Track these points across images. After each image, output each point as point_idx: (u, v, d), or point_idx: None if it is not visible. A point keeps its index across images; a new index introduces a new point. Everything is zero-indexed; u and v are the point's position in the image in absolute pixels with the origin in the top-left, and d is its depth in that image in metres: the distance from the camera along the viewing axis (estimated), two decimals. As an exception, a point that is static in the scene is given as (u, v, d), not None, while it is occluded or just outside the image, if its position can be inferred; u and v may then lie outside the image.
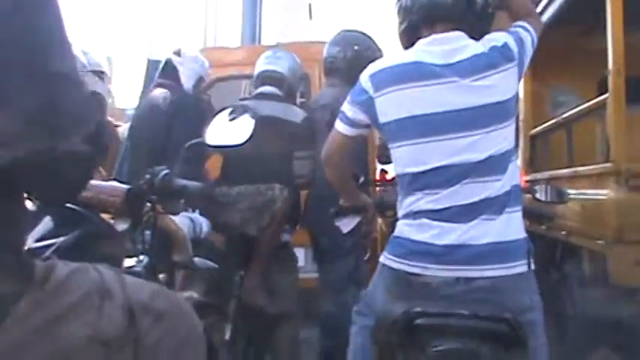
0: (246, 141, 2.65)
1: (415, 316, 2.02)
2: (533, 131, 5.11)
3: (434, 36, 2.33)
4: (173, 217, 3.33)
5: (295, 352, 3.95)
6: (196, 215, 3.45)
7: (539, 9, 4.68)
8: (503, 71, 2.25)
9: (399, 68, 2.31)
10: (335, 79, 4.15)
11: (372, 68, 2.38)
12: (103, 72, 4.16)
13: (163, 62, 4.31)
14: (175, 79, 4.18)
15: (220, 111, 3.49)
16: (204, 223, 3.46)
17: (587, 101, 3.92)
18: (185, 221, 3.37)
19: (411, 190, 2.26)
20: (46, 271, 1.31)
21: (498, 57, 2.27)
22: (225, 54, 6.71)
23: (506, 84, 2.26)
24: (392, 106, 2.28)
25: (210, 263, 3.11)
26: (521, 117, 5.15)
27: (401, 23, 2.44)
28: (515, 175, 2.27)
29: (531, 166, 5.09)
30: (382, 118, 2.31)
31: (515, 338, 2.00)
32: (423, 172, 2.23)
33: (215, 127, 2.72)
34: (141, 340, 1.36)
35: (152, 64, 7.12)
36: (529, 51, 2.37)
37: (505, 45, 2.30)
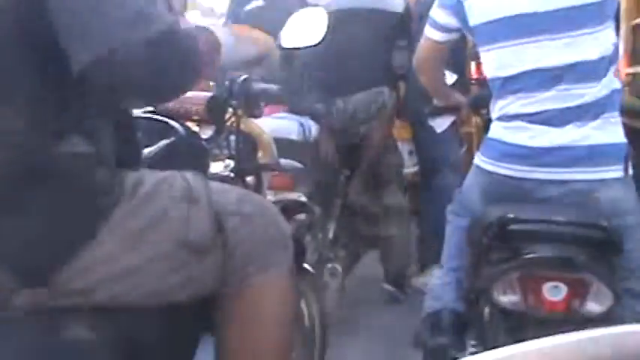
0: (322, 39, 2.60)
1: (509, 222, 1.99)
2: (637, 21, 4.83)
3: None
4: (281, 119, 3.37)
5: (404, 247, 4.00)
6: (306, 119, 3.48)
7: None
8: None
9: None
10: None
11: None
12: None
13: None
14: None
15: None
16: (313, 127, 3.49)
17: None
18: (294, 124, 3.41)
19: (504, 93, 2.22)
20: (135, 183, 1.37)
21: None
22: None
23: None
24: (481, 7, 2.22)
25: (297, 164, 3.16)
26: (623, 6, 4.86)
27: None
28: (613, 79, 2.17)
29: (634, 57, 4.82)
30: (472, 21, 2.25)
31: (611, 244, 1.96)
32: (516, 76, 2.18)
33: (289, 28, 2.67)
34: (229, 243, 1.42)
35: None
36: None
37: None
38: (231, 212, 1.45)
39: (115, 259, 1.29)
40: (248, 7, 4.36)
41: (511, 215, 1.99)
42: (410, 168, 4.50)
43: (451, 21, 2.33)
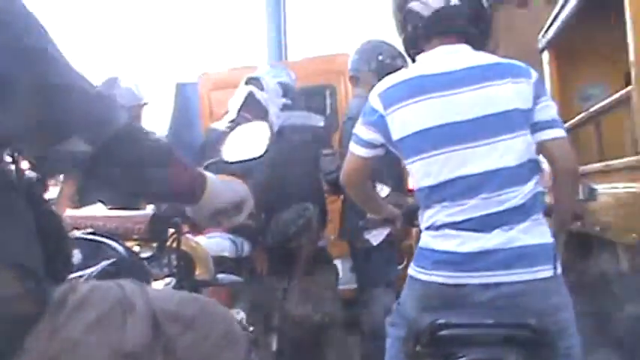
0: (266, 151, 2.70)
1: (440, 328, 2.03)
2: (563, 127, 5.05)
3: (439, 47, 2.33)
4: (213, 238, 3.42)
5: (342, 358, 4.00)
6: (237, 236, 3.53)
7: (558, 6, 4.66)
8: (510, 83, 2.24)
9: (406, 84, 2.31)
10: (360, 89, 4.17)
11: (380, 87, 2.39)
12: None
13: (246, 95, 4.17)
14: (261, 111, 4.06)
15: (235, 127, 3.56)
16: (245, 243, 3.54)
17: (616, 92, 3.88)
18: (226, 242, 3.45)
19: (430, 202, 2.26)
20: (66, 292, 1.32)
21: (509, 70, 2.28)
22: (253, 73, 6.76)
23: (513, 95, 2.23)
24: (403, 122, 2.28)
25: (234, 277, 3.20)
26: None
27: (402, 33, 2.46)
28: (538, 182, 2.24)
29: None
30: (395, 135, 2.30)
31: (541, 342, 2.00)
32: (440, 185, 2.23)
33: (231, 142, 2.76)
34: (170, 349, 1.37)
35: (180, 88, 7.24)
36: (543, 104, 2.30)
37: (524, 68, 2.31)
38: (172, 317, 1.40)
39: None
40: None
41: (441, 321, 2.02)
42: (350, 284, 4.57)
43: (375, 137, 2.36)
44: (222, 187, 1.60)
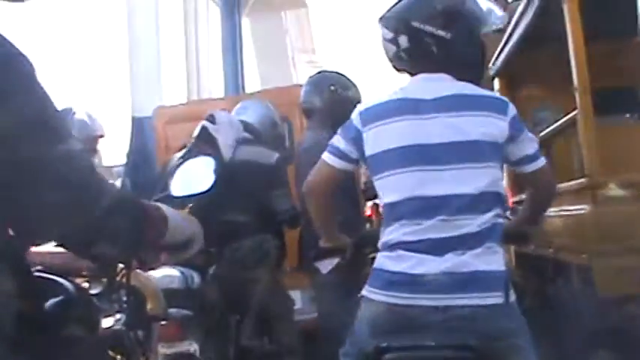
0: (212, 187, 2.69)
1: (383, 351, 2.05)
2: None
3: (421, 75, 2.39)
4: (162, 270, 3.41)
5: None
6: (187, 268, 3.52)
7: (508, 30, 4.77)
8: (484, 116, 2.28)
9: (386, 105, 2.37)
10: (314, 121, 4.15)
11: (362, 106, 2.44)
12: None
13: (199, 129, 4.17)
14: (213, 146, 4.05)
15: (185, 161, 3.58)
16: (194, 275, 3.53)
17: (564, 116, 3.97)
18: (176, 274, 3.44)
19: (390, 220, 2.30)
20: None
21: (486, 104, 2.32)
22: (210, 105, 6.78)
23: (485, 127, 2.28)
24: (377, 139, 2.33)
25: (185, 311, 3.19)
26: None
27: (389, 59, 2.49)
28: (499, 215, 2.27)
29: (517, 186, 5.12)
30: (368, 151, 2.35)
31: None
32: (399, 202, 2.26)
33: (179, 177, 2.77)
34: None
35: (136, 122, 7.23)
36: (522, 139, 2.35)
37: (502, 103, 2.35)
38: None
39: None
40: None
41: (384, 344, 2.04)
42: (310, 314, 4.57)
43: (351, 149, 2.40)
44: (177, 224, 1.60)
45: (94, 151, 4.70)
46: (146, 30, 7.50)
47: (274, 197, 3.98)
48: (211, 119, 4.05)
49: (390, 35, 2.42)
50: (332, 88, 4.13)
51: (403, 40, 2.38)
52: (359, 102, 4.05)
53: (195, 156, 3.67)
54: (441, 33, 2.35)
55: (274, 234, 4.06)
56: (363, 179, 4.67)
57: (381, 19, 2.46)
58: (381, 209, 2.44)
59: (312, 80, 4.31)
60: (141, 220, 1.44)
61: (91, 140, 4.53)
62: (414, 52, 2.38)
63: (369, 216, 4.52)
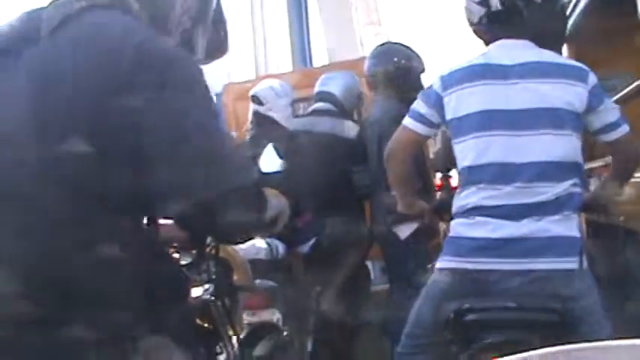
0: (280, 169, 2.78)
1: (465, 313, 2.11)
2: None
3: (504, 40, 2.43)
4: (249, 242, 3.54)
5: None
6: (272, 239, 3.65)
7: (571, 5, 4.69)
8: (565, 84, 2.32)
9: (468, 69, 2.42)
10: (378, 93, 4.21)
11: (444, 71, 2.49)
12: None
13: (252, 114, 4.30)
14: (272, 125, 4.17)
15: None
16: (280, 246, 3.65)
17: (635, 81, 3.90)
18: (262, 245, 3.57)
19: (468, 183, 2.35)
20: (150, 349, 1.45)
21: (567, 72, 2.36)
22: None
23: (566, 96, 2.31)
24: (458, 103, 2.38)
25: (271, 283, 3.28)
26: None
27: (472, 24, 2.53)
28: (576, 184, 2.30)
29: (588, 155, 5.04)
30: (449, 115, 2.41)
31: (565, 326, 2.07)
32: (479, 167, 2.32)
33: (267, 155, 2.88)
34: None
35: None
36: (604, 109, 2.37)
37: (583, 72, 2.37)
38: None
39: None
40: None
41: (466, 306, 2.11)
42: (381, 285, 4.64)
43: (432, 113, 2.46)
44: (270, 202, 1.68)
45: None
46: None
47: (354, 173, 4.03)
48: (257, 100, 4.11)
49: None
50: (396, 59, 4.18)
51: (495, 2, 2.39)
52: (423, 72, 4.10)
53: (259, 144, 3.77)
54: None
55: (357, 210, 4.15)
56: (432, 150, 4.71)
57: None
58: (452, 178, 2.47)
59: (377, 52, 4.36)
60: (261, 209, 1.52)
61: None
62: (503, 15, 2.40)
63: (439, 186, 4.53)
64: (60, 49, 1.35)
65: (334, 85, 4.36)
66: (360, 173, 4.07)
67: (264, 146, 3.75)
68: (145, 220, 1.54)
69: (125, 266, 1.37)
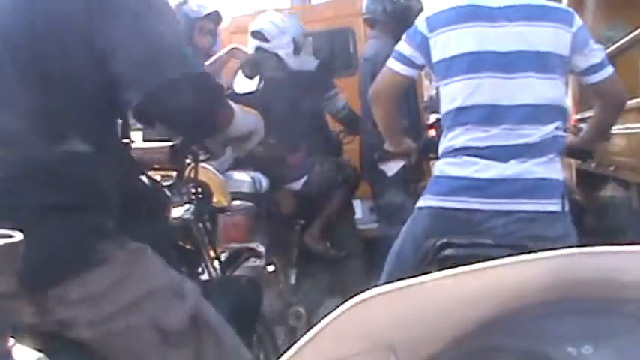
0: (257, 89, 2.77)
1: (443, 247, 2.12)
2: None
3: None
4: (233, 174, 3.54)
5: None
6: (256, 173, 3.65)
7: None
8: (551, 27, 2.31)
9: (454, 11, 2.40)
10: (376, 31, 4.21)
11: (429, 12, 2.47)
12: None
13: (254, 50, 4.24)
14: (278, 63, 4.13)
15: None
16: (263, 180, 3.65)
17: (630, 33, 3.87)
18: (245, 178, 3.57)
19: (454, 125, 2.34)
20: (137, 250, 1.49)
21: (553, 15, 2.34)
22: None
23: (552, 39, 2.31)
24: (444, 45, 2.37)
25: (248, 204, 3.29)
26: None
27: None
28: (559, 128, 2.31)
29: (580, 103, 5.04)
30: (435, 57, 2.39)
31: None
32: (467, 108, 2.31)
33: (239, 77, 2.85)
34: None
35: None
36: (588, 51, 2.38)
37: (568, 14, 2.36)
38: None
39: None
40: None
41: (444, 240, 2.12)
42: (369, 224, 4.67)
43: (416, 55, 2.45)
44: (241, 118, 1.70)
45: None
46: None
47: (327, 100, 4.04)
48: (261, 37, 4.05)
49: None
50: None
51: None
52: (421, 11, 4.07)
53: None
54: None
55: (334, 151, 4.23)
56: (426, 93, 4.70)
57: None
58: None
59: None
60: (217, 100, 1.55)
61: None
62: None
63: (434, 128, 4.53)
64: None
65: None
66: (332, 98, 4.17)
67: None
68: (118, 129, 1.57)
69: (97, 164, 1.40)
